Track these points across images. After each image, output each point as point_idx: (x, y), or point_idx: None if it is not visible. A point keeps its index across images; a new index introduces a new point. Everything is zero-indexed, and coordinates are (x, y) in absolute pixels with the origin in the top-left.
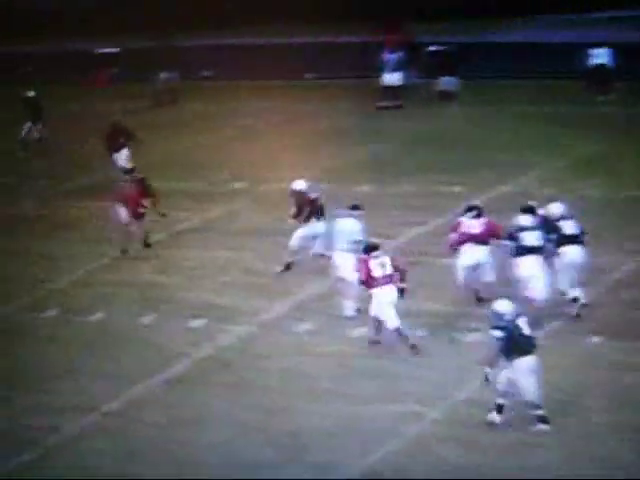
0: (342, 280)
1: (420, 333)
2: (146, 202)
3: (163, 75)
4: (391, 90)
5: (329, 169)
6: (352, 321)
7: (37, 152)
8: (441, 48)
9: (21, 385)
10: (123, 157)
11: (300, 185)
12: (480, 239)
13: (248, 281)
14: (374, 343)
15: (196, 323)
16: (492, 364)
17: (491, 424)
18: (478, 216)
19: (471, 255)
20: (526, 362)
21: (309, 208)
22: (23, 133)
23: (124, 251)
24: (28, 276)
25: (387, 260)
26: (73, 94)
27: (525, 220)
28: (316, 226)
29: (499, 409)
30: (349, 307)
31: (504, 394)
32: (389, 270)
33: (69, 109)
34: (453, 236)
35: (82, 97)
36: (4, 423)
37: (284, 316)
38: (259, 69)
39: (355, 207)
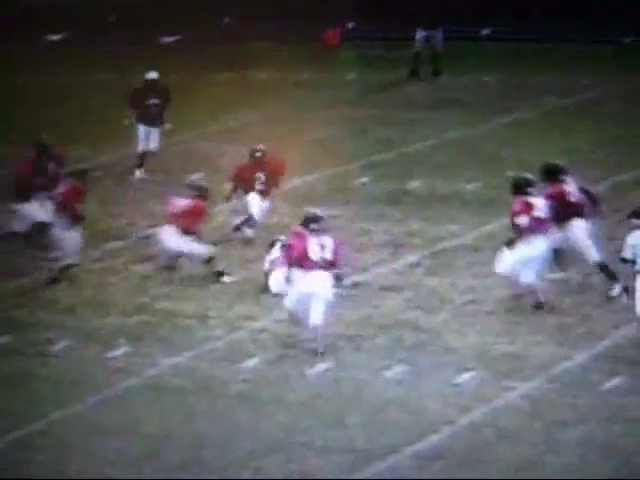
0: None
1: None
2: None
3: None
4: None
5: None
6: None
7: None
8: None
9: (214, 461)
10: None
11: None
12: None
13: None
14: None
15: (466, 378)
16: None
17: None
18: None
19: None
20: None
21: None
22: None
23: None
24: None
25: (329, 242)
26: None
27: None
28: None
29: None
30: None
31: None
32: (329, 254)
33: None
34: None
35: None
36: None
37: (588, 369)
38: None
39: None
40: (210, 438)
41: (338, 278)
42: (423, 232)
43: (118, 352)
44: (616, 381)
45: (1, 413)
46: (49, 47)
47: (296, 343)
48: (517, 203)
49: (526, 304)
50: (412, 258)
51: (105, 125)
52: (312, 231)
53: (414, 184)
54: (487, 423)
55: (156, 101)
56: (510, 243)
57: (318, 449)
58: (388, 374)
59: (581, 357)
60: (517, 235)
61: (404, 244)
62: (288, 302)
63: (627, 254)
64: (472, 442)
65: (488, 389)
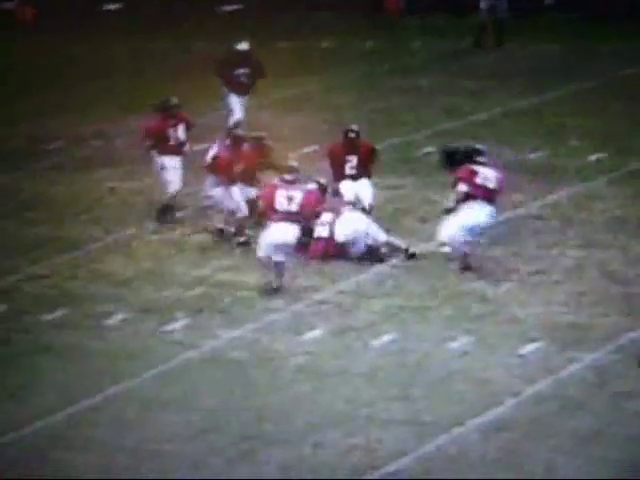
0: None
1: None
2: None
3: None
4: None
5: None
6: None
7: None
8: None
9: (275, 435)
10: None
11: None
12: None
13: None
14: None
15: (531, 349)
16: None
17: None
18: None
19: None
20: None
21: None
22: None
23: None
24: None
25: (298, 195)
26: None
27: None
28: None
29: None
30: None
31: None
32: (295, 206)
33: None
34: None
35: None
36: None
37: None
38: None
39: None
40: (271, 411)
41: (304, 232)
42: None
43: (176, 325)
44: None
45: (56, 388)
46: (106, 17)
47: (359, 314)
48: (462, 170)
49: (591, 274)
50: None
51: (162, 95)
52: (286, 182)
53: None
54: (552, 394)
55: (246, 71)
56: (448, 210)
57: (381, 422)
58: (453, 345)
59: None
60: (460, 201)
61: None
62: (257, 251)
63: None
64: (537, 413)
65: (553, 360)
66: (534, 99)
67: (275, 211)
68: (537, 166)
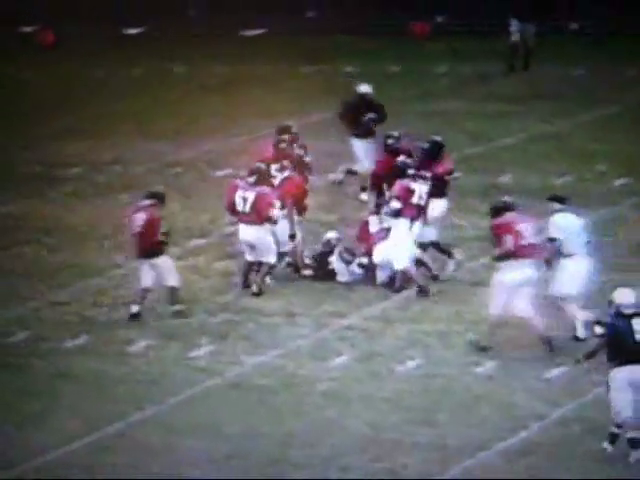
0: None
1: None
2: None
3: None
4: None
5: None
6: None
7: None
8: None
9: (301, 459)
10: None
11: None
12: None
13: None
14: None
15: (556, 373)
16: None
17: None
18: None
19: None
20: None
21: None
22: None
23: None
24: None
25: (251, 196)
26: None
27: None
28: None
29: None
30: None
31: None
32: (248, 208)
33: None
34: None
35: None
36: None
37: None
38: None
39: None
40: (296, 437)
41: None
42: None
43: (200, 352)
44: None
45: (79, 414)
46: (126, 40)
47: (384, 340)
48: (398, 187)
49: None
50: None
51: (182, 118)
52: (247, 184)
53: (505, 178)
54: (576, 418)
55: (372, 115)
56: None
57: (407, 446)
58: (478, 370)
59: None
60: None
61: None
62: None
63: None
64: (561, 437)
65: (578, 384)
66: (560, 124)
67: (235, 212)
68: (563, 191)
